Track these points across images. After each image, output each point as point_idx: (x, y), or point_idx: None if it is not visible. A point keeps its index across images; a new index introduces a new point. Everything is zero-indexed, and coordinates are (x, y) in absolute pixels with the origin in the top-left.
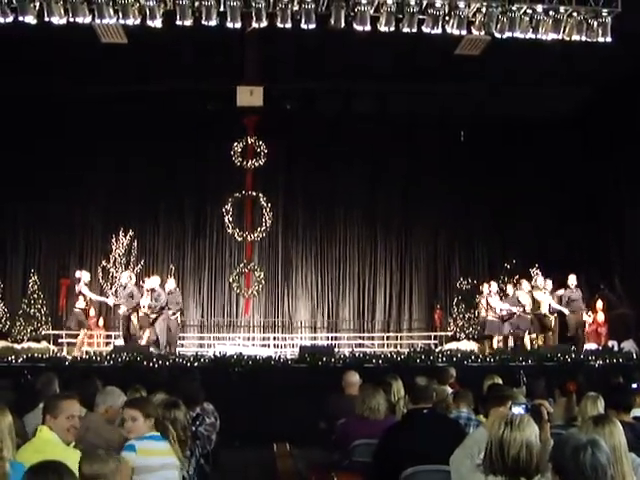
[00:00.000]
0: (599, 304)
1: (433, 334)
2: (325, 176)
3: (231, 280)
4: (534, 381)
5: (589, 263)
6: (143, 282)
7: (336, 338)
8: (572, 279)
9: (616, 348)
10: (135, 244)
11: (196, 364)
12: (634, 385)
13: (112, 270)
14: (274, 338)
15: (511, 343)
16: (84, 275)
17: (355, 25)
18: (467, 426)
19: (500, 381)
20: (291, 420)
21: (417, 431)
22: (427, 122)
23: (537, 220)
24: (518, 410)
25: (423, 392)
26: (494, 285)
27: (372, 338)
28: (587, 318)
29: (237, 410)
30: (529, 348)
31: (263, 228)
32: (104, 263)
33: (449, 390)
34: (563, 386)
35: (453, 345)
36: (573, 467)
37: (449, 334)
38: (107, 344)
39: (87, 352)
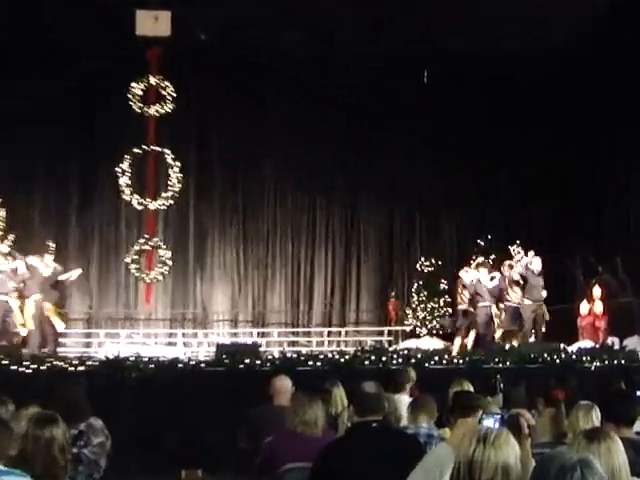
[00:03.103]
0: (597, 291)
1: (386, 329)
2: (250, 128)
3: (128, 260)
4: (513, 387)
5: (585, 241)
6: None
7: (263, 334)
8: (537, 263)
9: (617, 346)
10: (2, 215)
11: (81, 368)
12: (639, 393)
13: None
14: (183, 335)
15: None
16: None
17: None
18: (428, 444)
19: (470, 387)
20: (204, 439)
21: (364, 450)
22: (381, 60)
23: (519, 188)
24: (489, 423)
25: (372, 401)
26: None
27: (309, 334)
28: (585, 310)
29: (134, 427)
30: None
31: (170, 194)
32: None
33: (406, 399)
34: (549, 394)
35: (412, 343)
36: None
37: (407, 329)
38: None
39: None
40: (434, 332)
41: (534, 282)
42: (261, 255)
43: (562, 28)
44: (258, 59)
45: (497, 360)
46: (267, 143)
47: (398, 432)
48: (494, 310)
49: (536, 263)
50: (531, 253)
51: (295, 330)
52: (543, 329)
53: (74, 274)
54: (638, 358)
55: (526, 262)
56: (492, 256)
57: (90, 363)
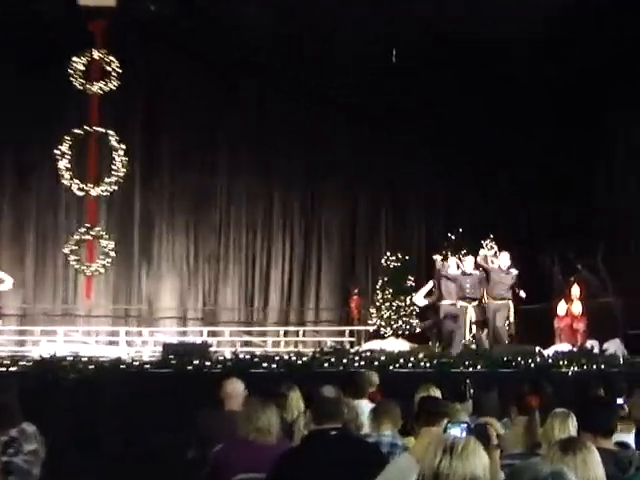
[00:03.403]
0: (575, 290)
1: (348, 329)
2: (201, 107)
3: (67, 251)
4: (484, 393)
5: (563, 236)
6: None
7: (214, 333)
8: (505, 258)
9: (596, 350)
10: None
11: (13, 369)
12: (619, 400)
13: None
14: (127, 333)
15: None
16: None
17: None
18: (390, 454)
19: (438, 393)
20: (148, 447)
21: (321, 460)
22: (347, 36)
23: (493, 177)
24: (456, 432)
25: (331, 407)
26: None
27: (264, 333)
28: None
29: (71, 433)
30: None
31: (113, 179)
32: None
33: (367, 405)
34: (523, 400)
35: (375, 344)
36: None
37: (370, 329)
38: None
39: None
40: (400, 333)
41: (497, 278)
42: (213, 246)
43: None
44: (214, 33)
45: (467, 364)
46: (221, 125)
47: (358, 441)
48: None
49: (503, 258)
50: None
51: (249, 329)
52: (503, 331)
53: (4, 286)
54: (619, 363)
55: (484, 254)
56: (463, 251)
57: (23, 363)
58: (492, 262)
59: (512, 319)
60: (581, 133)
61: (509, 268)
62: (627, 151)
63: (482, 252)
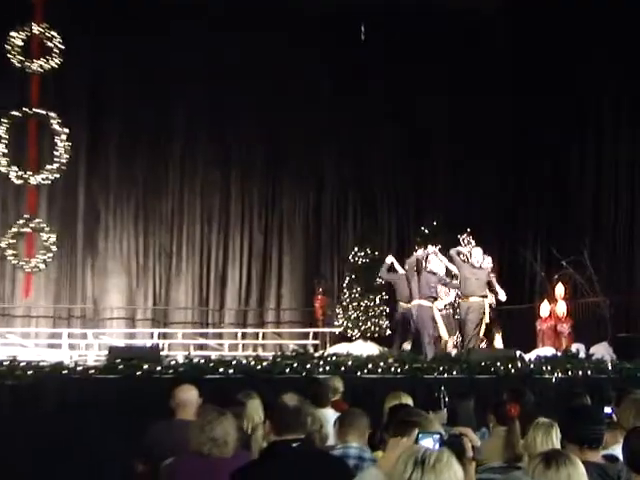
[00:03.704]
0: (559, 290)
1: (312, 331)
2: (152, 88)
3: (3, 245)
4: (460, 401)
5: (545, 230)
6: None
7: (165, 335)
8: (477, 253)
9: (583, 354)
10: None
11: None
12: (607, 409)
13: None
14: (69, 335)
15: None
16: None
17: None
18: (358, 467)
19: (409, 401)
20: (93, 459)
21: (282, 474)
22: (313, 11)
23: (469, 167)
24: (428, 443)
25: (293, 417)
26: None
27: (220, 336)
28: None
29: (8, 447)
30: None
31: (55, 166)
32: None
33: (333, 414)
34: (502, 409)
35: (342, 347)
36: None
37: (336, 331)
38: None
39: None
40: (368, 335)
41: (468, 274)
42: (164, 240)
43: None
44: (158, 4)
45: (441, 369)
46: (174, 108)
47: (322, 454)
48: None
49: (476, 253)
50: (463, 239)
51: (203, 331)
52: (471, 333)
53: None
54: (607, 368)
55: (457, 250)
56: (438, 246)
57: None
58: (466, 257)
59: (487, 320)
60: (563, 120)
61: (482, 263)
62: (613, 140)
63: (453, 250)
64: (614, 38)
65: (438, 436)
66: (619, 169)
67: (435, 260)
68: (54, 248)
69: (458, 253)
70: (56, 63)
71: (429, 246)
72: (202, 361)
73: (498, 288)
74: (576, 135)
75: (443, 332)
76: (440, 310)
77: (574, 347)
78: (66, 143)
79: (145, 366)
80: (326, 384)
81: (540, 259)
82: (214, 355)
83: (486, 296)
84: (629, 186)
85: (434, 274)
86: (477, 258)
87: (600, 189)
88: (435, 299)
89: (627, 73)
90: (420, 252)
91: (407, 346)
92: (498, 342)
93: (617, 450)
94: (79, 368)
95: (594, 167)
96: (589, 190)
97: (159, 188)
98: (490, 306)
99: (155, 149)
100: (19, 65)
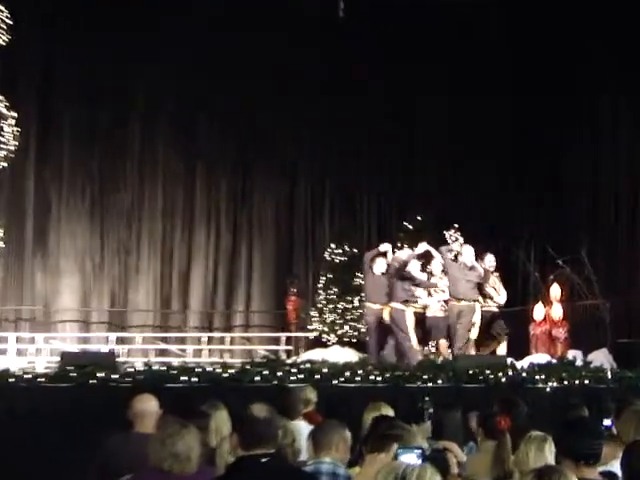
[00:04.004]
0: (555, 291)
1: (284, 335)
2: (110, 67)
3: None
4: (445, 413)
5: (539, 227)
6: None
7: (122, 340)
8: (468, 252)
9: (580, 362)
10: None
11: None
12: (606, 422)
13: None
14: (17, 339)
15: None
16: None
17: None
18: None
19: (390, 412)
20: (43, 476)
21: None
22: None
23: (457, 158)
24: (409, 458)
25: (262, 429)
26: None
27: (183, 340)
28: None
29: None
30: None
31: (2, 154)
32: None
33: (305, 427)
34: (491, 422)
35: (317, 353)
36: None
37: (311, 336)
38: None
39: None
40: (346, 340)
41: (459, 275)
42: (122, 236)
43: None
44: None
45: (425, 378)
46: (134, 90)
47: (294, 470)
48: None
49: (467, 252)
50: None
51: (165, 335)
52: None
53: None
54: (606, 377)
55: (448, 248)
56: (423, 242)
57: None
58: (455, 255)
59: (478, 324)
60: (559, 114)
61: (473, 263)
62: (612, 137)
63: (443, 249)
64: (612, 31)
65: (420, 451)
66: (620, 163)
67: (415, 264)
68: (0, 244)
69: (449, 251)
70: (3, 40)
71: (422, 243)
72: (163, 368)
73: (494, 292)
74: (575, 131)
75: (414, 340)
76: (428, 309)
77: (570, 354)
78: (14, 128)
79: (100, 374)
80: (297, 394)
81: (534, 258)
82: (176, 362)
83: (477, 300)
84: (630, 181)
85: (412, 277)
86: (469, 257)
87: (599, 185)
88: (409, 302)
89: (625, 66)
90: (405, 252)
91: (387, 352)
92: (502, 350)
93: (616, 466)
94: (27, 376)
95: (592, 162)
96: (587, 186)
97: (117, 179)
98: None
99: (113, 136)
100: None
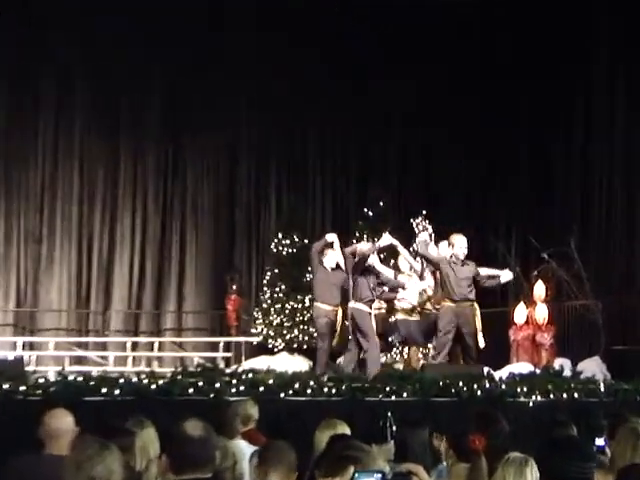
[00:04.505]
0: (539, 289)
1: (223, 340)
2: (16, 33)
3: None
4: (411, 431)
5: (522, 214)
6: None
7: (32, 346)
8: (461, 242)
9: (568, 372)
10: None
11: None
12: (598, 442)
13: None
14: None
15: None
16: None
17: None
18: None
19: (347, 431)
20: None
21: None
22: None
23: (424, 134)
24: None
25: (197, 451)
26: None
27: (103, 346)
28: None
29: None
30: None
31: None
32: None
33: (246, 447)
34: (464, 441)
35: (261, 361)
36: None
37: (254, 340)
38: None
39: None
40: (295, 346)
41: (455, 272)
42: (31, 223)
43: None
44: None
45: (388, 390)
46: (44, 53)
47: None
48: None
49: (459, 242)
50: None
51: (82, 340)
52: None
53: None
54: (598, 390)
55: (425, 239)
56: (386, 233)
57: None
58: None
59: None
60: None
61: (465, 258)
62: (607, 109)
63: (422, 236)
64: (611, 31)
65: (381, 475)
66: (614, 141)
67: (375, 257)
68: None
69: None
70: None
71: (385, 234)
72: (80, 379)
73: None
74: (561, 106)
75: (377, 346)
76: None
77: (557, 363)
78: None
79: (5, 385)
80: (235, 409)
81: (515, 251)
82: (95, 371)
83: (475, 300)
84: (626, 162)
85: (377, 274)
86: (461, 249)
87: (589, 168)
88: (373, 302)
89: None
90: (368, 243)
91: (343, 360)
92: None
93: None
94: None
95: (583, 142)
96: (576, 170)
97: (25, 157)
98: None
99: (19, 104)
100: None
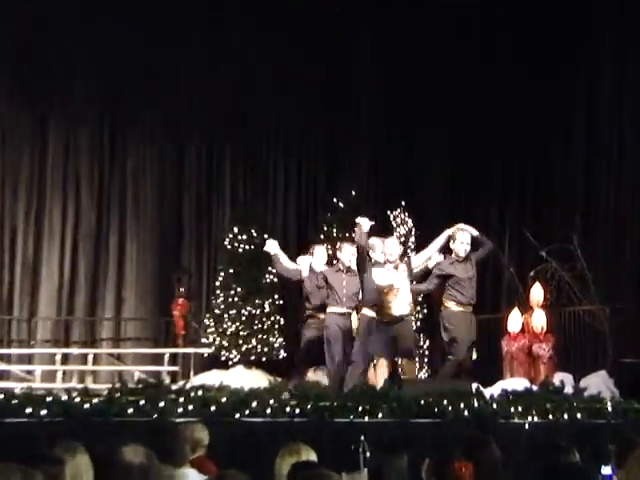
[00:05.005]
0: (536, 293)
1: (168, 351)
2: None
3: None
4: (387, 458)
5: (517, 204)
6: None
7: None
8: (465, 238)
9: (570, 388)
10: None
11: None
12: (605, 470)
13: None
14: None
15: None
16: None
17: None
18: None
19: (313, 457)
20: None
21: None
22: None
23: (402, 116)
24: None
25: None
26: None
27: (28, 359)
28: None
29: None
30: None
31: None
32: None
33: (195, 476)
34: (448, 469)
35: (213, 376)
36: None
37: (205, 352)
38: None
39: None
40: (253, 359)
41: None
42: None
43: None
44: None
45: (361, 410)
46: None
47: None
48: None
49: (461, 238)
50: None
51: (3, 352)
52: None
53: None
54: (605, 410)
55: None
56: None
57: None
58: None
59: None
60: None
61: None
62: (612, 86)
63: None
64: (611, 32)
65: None
66: (615, 141)
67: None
68: None
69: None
70: None
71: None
72: (1, 397)
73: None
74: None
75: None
76: None
77: (557, 378)
78: None
79: None
80: (182, 433)
81: (508, 248)
82: (18, 388)
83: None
84: (627, 161)
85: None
86: (462, 246)
87: (596, 152)
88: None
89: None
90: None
91: (315, 375)
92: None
93: None
94: None
95: (582, 140)
96: (579, 155)
97: None
98: None
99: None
100: None
